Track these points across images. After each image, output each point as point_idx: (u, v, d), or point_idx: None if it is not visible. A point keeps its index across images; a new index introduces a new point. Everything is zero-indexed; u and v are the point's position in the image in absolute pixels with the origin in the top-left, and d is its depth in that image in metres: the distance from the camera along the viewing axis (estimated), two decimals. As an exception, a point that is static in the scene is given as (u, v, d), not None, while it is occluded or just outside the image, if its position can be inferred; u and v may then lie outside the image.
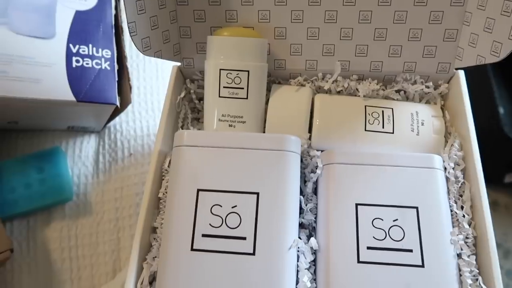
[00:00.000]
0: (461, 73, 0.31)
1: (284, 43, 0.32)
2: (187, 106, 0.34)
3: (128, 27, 0.28)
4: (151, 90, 0.45)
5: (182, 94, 0.33)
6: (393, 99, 0.32)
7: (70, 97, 0.33)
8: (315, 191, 0.28)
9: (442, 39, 0.30)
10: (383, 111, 0.30)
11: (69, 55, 0.34)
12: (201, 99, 0.34)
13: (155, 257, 0.26)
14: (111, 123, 0.42)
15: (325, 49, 0.32)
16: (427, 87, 0.32)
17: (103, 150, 0.41)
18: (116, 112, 0.37)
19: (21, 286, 0.35)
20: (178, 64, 0.33)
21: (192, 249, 0.24)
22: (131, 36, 0.28)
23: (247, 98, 0.30)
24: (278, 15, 0.31)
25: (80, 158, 0.40)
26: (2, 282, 0.35)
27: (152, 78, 0.45)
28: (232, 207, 0.25)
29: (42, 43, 0.34)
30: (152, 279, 0.26)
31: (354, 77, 0.32)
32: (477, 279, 0.24)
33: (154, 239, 0.27)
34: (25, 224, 0.37)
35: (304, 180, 0.28)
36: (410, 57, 0.31)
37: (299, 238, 0.25)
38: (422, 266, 0.24)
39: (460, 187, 0.27)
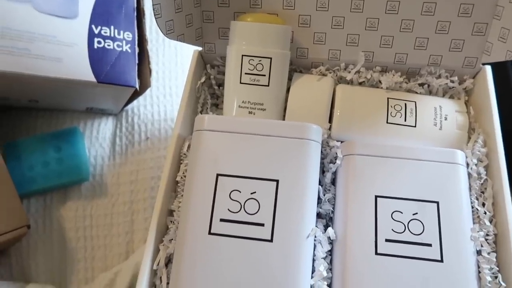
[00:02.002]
0: (488, 68, 0.30)
1: (308, 31, 0.31)
2: (206, 92, 0.33)
3: (153, 9, 0.27)
4: (170, 75, 0.44)
5: (202, 79, 0.33)
6: (416, 93, 0.31)
7: (91, 77, 0.33)
8: (333, 181, 0.28)
9: (470, 33, 0.30)
10: (406, 104, 0.30)
11: (91, 36, 0.34)
12: (220, 85, 0.34)
13: (172, 239, 0.26)
14: (129, 106, 0.42)
15: (349, 39, 0.31)
16: (452, 81, 0.31)
17: (120, 133, 0.41)
18: (135, 95, 0.37)
19: (36, 263, 0.35)
20: (200, 49, 0.33)
21: (209, 233, 0.24)
22: (155, 18, 0.28)
23: (268, 85, 0.30)
24: (303, 3, 0.30)
25: (97, 140, 0.40)
26: (18, 257, 0.35)
27: (171, 63, 0.45)
28: (251, 193, 0.25)
29: (65, 23, 0.34)
30: (168, 261, 0.26)
31: (377, 68, 0.32)
32: (496, 277, 0.24)
33: (171, 221, 0.27)
34: (41, 202, 0.37)
35: (322, 170, 0.28)
36: (436, 50, 0.31)
37: (316, 227, 0.25)
38: (441, 261, 0.23)
39: (482, 184, 0.27)
